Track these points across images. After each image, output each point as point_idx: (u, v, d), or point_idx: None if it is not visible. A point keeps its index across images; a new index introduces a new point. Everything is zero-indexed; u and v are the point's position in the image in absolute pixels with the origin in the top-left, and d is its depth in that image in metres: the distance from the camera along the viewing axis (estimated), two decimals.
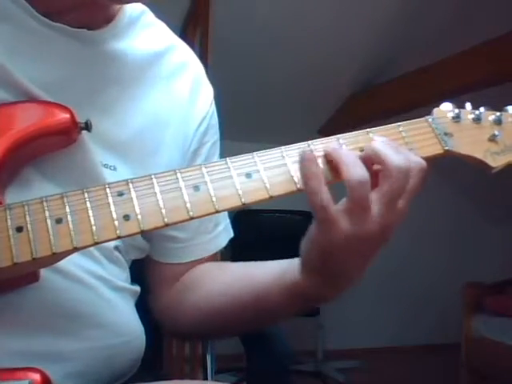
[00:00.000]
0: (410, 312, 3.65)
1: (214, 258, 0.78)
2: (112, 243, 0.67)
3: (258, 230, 2.69)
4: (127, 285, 0.71)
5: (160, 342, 1.03)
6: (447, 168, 2.98)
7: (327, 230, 0.53)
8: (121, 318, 0.67)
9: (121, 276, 0.70)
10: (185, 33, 2.25)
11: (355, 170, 0.52)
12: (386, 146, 0.55)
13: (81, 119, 0.59)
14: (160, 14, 0.75)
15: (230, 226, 0.80)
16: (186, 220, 0.52)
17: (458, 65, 2.46)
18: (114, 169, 0.64)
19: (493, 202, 3.65)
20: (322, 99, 3.19)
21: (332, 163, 0.54)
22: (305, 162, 0.53)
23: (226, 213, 0.76)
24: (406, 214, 0.55)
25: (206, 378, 0.92)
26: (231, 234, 0.80)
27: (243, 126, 2.97)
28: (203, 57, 1.96)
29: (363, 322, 3.60)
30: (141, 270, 0.76)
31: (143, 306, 0.75)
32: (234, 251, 1.09)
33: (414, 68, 2.76)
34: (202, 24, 2.18)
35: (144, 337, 0.71)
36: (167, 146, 0.70)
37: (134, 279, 0.75)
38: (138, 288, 0.74)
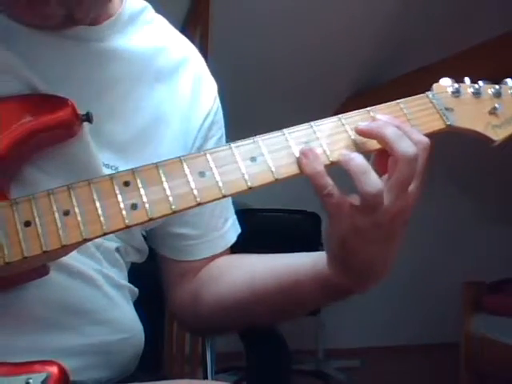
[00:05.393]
0: (410, 311, 3.64)
1: (229, 252, 0.78)
2: (114, 244, 0.67)
3: (258, 230, 2.68)
4: (127, 283, 0.71)
5: (160, 341, 1.03)
6: (447, 167, 2.98)
7: (337, 221, 0.54)
8: (121, 315, 0.68)
9: (120, 276, 0.70)
10: (184, 32, 2.24)
11: (370, 183, 0.52)
12: (392, 130, 0.54)
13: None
14: (159, 12, 0.75)
15: (236, 221, 0.80)
16: (194, 206, 0.52)
17: (459, 64, 2.45)
18: (116, 169, 0.64)
19: (492, 202, 3.65)
20: (321, 99, 3.19)
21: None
22: (307, 160, 0.54)
23: (232, 208, 0.77)
24: (420, 195, 0.54)
25: (205, 378, 0.91)
26: (239, 230, 0.80)
27: (243, 123, 2.96)
28: (203, 56, 1.96)
29: (364, 321, 3.59)
30: (140, 273, 0.76)
31: (143, 307, 0.75)
32: (234, 251, 1.09)
33: (414, 68, 2.76)
34: (201, 23, 2.18)
35: (143, 335, 0.72)
36: (168, 144, 0.70)
37: (133, 283, 0.75)
38: (136, 289, 0.74)
